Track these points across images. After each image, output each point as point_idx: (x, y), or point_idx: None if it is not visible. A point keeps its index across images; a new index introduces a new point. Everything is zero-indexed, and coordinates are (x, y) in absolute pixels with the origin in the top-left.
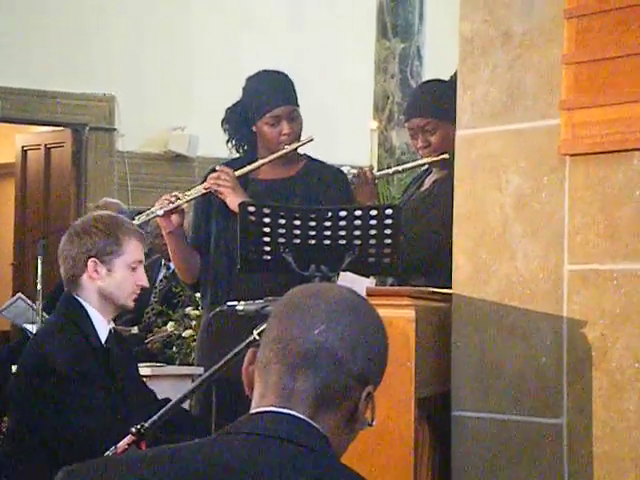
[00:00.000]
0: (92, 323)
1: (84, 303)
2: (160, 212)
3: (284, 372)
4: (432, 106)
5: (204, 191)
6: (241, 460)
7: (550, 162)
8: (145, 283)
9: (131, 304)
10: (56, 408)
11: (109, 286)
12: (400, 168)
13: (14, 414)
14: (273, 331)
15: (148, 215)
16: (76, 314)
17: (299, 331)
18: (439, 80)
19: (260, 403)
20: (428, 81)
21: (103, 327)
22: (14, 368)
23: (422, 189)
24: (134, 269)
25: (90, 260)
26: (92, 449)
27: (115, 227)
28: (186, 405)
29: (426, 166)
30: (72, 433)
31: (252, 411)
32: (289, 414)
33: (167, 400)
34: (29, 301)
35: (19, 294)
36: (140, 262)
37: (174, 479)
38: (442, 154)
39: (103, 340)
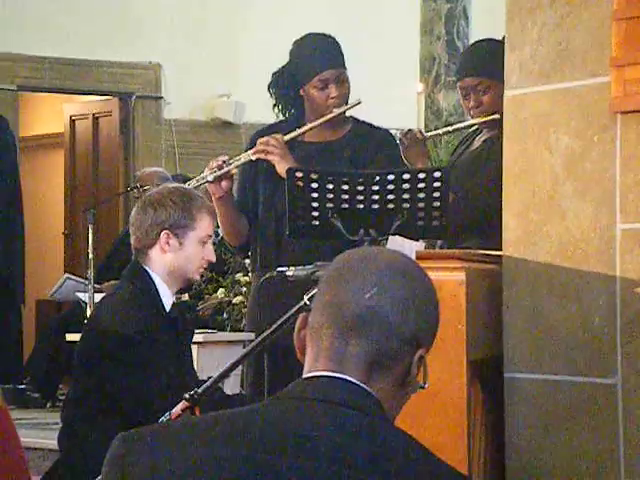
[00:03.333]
0: (158, 293)
1: (152, 273)
2: (210, 178)
3: (336, 337)
4: (485, 65)
5: (253, 157)
6: (295, 425)
7: (601, 120)
8: (213, 258)
9: (198, 278)
10: (121, 371)
11: (178, 259)
12: (450, 128)
13: (79, 379)
14: (324, 296)
15: (198, 181)
16: (143, 283)
17: (350, 295)
18: (492, 39)
19: (312, 368)
20: (481, 40)
21: (168, 298)
22: (68, 336)
23: (472, 148)
24: (204, 244)
25: (163, 232)
26: (152, 414)
27: (189, 201)
28: (238, 372)
29: (476, 126)
30: (136, 396)
31: (305, 376)
32: (342, 378)
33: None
34: (77, 278)
35: (66, 275)
36: (210, 237)
37: (229, 445)
38: (493, 114)
39: (168, 310)
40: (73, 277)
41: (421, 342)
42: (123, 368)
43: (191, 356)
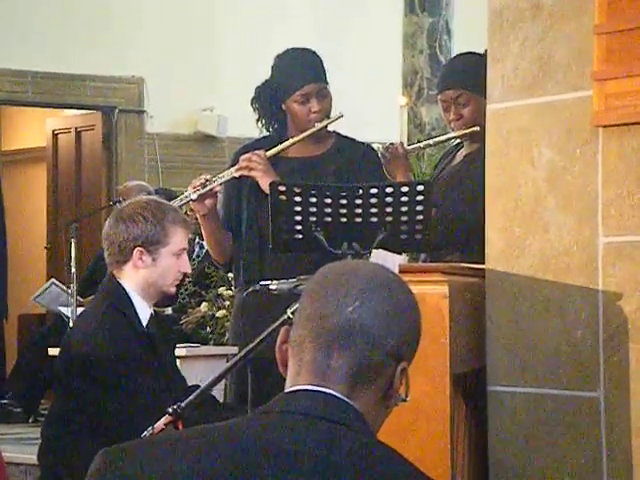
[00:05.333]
0: (134, 308)
1: (127, 288)
2: (194, 196)
3: (318, 350)
4: (465, 78)
5: (236, 174)
6: (277, 439)
7: (583, 134)
8: (188, 270)
9: (173, 290)
10: (99, 392)
11: (153, 274)
12: (431, 142)
13: (60, 396)
14: (306, 309)
15: (182, 199)
16: (119, 298)
17: (332, 309)
18: (473, 53)
19: (295, 382)
20: (462, 54)
21: (145, 311)
22: (50, 351)
23: (453, 163)
24: (178, 257)
25: (136, 249)
26: (135, 431)
27: (162, 216)
28: (221, 385)
29: (457, 140)
30: (117, 415)
31: (287, 390)
32: (325, 392)
33: (196, 387)
34: (62, 286)
35: (52, 280)
36: (184, 250)
37: (211, 459)
38: (473, 127)
39: (145, 324)
40: (58, 283)
41: (403, 355)
42: (101, 389)
43: (175, 366)
